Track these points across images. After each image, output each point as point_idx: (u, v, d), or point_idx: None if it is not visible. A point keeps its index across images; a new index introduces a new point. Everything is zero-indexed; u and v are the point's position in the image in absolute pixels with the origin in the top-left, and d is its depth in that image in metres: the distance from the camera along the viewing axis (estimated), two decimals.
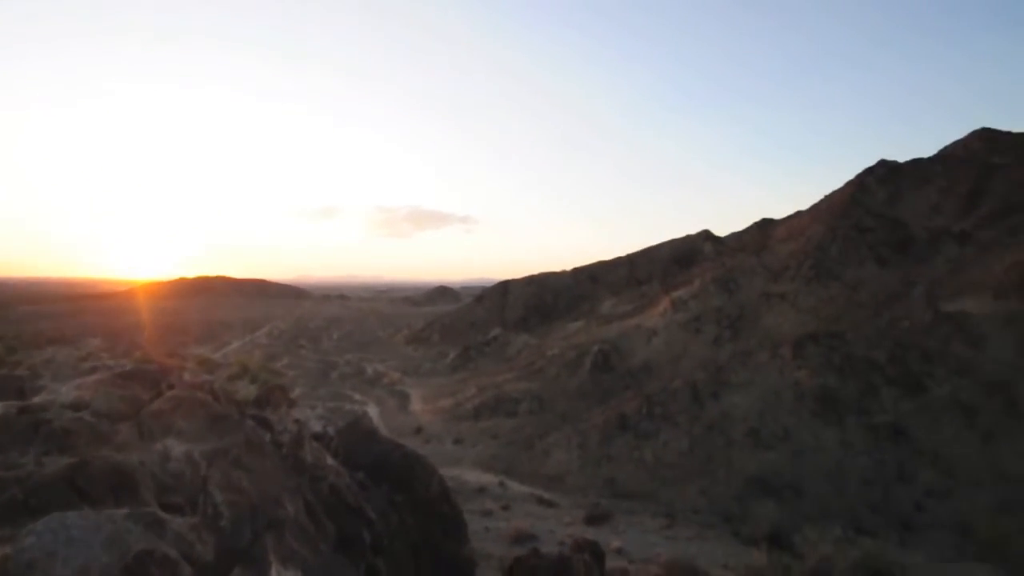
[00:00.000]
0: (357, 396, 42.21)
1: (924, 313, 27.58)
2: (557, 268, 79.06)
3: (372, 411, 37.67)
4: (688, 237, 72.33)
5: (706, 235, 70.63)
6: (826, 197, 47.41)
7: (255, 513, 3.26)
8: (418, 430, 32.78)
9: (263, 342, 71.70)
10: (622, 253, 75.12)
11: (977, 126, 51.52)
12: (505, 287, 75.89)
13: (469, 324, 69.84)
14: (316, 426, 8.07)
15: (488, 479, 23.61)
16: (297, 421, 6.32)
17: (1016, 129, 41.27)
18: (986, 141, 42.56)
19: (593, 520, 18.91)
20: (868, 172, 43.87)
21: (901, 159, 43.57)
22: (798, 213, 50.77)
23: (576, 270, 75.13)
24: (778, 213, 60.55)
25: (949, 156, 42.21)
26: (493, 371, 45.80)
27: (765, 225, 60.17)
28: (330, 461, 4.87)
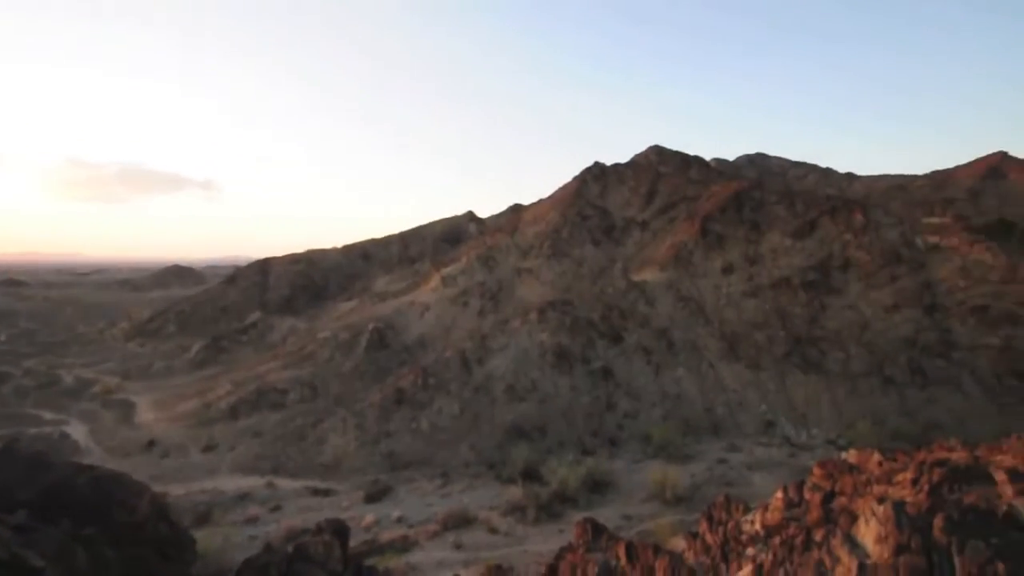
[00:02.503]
0: (47, 415, 31.93)
1: (621, 282, 35.55)
2: (324, 245, 73.52)
3: (77, 431, 29.19)
4: (455, 217, 76.16)
5: (471, 216, 75.55)
6: (560, 188, 56.02)
7: None
8: (150, 444, 26.86)
9: None
10: (393, 231, 74.58)
11: (653, 142, 67.78)
12: (265, 266, 67.08)
13: (220, 310, 59.69)
14: None
15: (252, 483, 21.19)
16: None
17: (677, 147, 55.96)
18: (658, 154, 56.61)
19: (373, 497, 18.98)
20: (588, 171, 53.51)
21: (608, 162, 54.54)
22: (541, 200, 58.67)
23: (347, 247, 71.42)
24: (527, 199, 68.84)
25: (636, 163, 54.73)
26: (253, 362, 40.53)
27: (517, 210, 67.69)
28: None
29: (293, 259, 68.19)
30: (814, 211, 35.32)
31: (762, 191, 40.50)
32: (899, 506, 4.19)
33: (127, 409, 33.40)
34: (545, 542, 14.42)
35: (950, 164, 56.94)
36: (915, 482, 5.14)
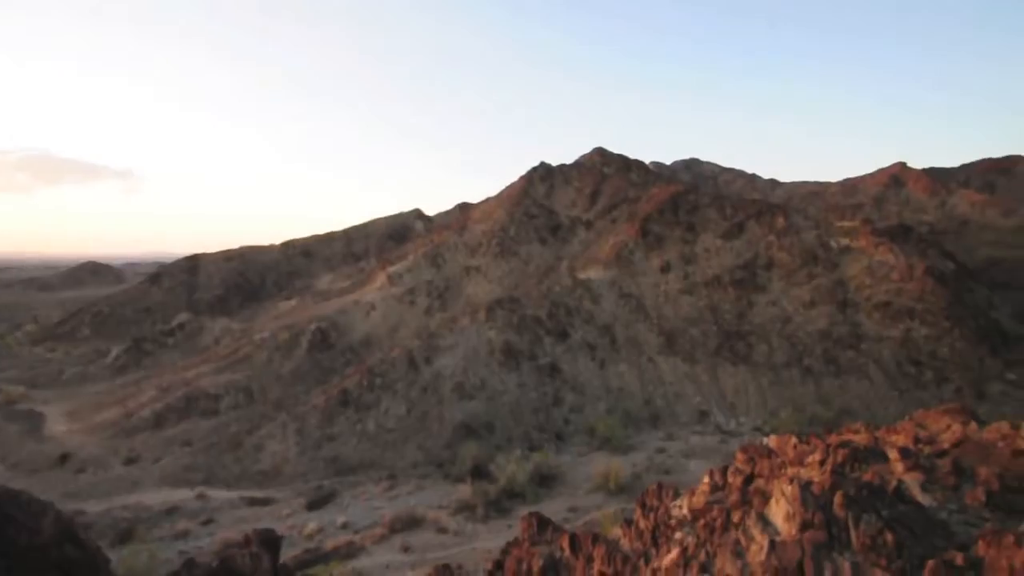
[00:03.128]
0: None
1: (567, 280, 36.24)
2: (261, 243, 69.50)
3: None
4: (402, 215, 74.50)
5: (417, 214, 74.21)
6: (507, 187, 56.23)
7: None
8: (63, 458, 24.36)
9: None
10: (337, 228, 71.86)
11: (597, 144, 69.56)
12: (194, 263, 62.55)
13: (142, 311, 55.06)
14: None
15: (181, 496, 19.74)
16: None
17: (619, 149, 57.69)
18: (601, 156, 58.15)
19: (316, 504, 18.24)
20: (534, 171, 54.09)
21: (554, 163, 55.39)
22: (488, 199, 58.62)
23: (287, 244, 68.00)
24: (474, 198, 68.50)
25: (581, 165, 55.98)
26: (181, 366, 37.72)
27: (465, 208, 67.27)
28: None
29: (226, 256, 64.07)
30: (742, 214, 37.60)
31: (696, 195, 42.61)
32: (805, 486, 4.45)
33: (34, 420, 30.06)
34: (494, 539, 14.43)
35: (859, 172, 62.69)
36: (822, 463, 5.50)
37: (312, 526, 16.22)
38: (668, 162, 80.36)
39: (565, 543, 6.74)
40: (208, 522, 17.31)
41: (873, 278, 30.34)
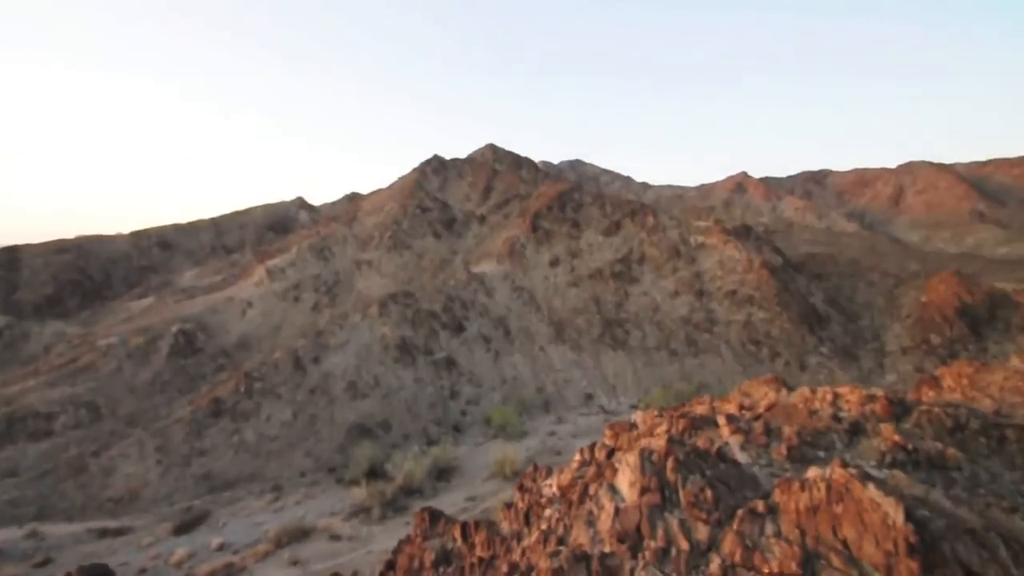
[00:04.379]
0: None
1: (462, 274, 36.20)
2: (103, 231, 58.68)
3: None
4: (282, 203, 68.02)
5: (300, 202, 68.34)
6: (399, 179, 54.28)
7: None
8: None
9: None
10: (203, 216, 63.33)
11: (488, 141, 70.21)
12: (12, 256, 50.85)
13: None
14: None
15: (6, 536, 16.14)
16: None
17: (508, 147, 58.83)
18: (493, 152, 58.83)
19: (184, 527, 16.11)
20: (427, 163, 52.92)
21: (448, 156, 54.72)
22: (380, 190, 56.06)
23: (139, 234, 58.30)
24: (365, 188, 64.93)
25: (474, 160, 56.08)
26: (0, 381, 30.60)
27: (354, 198, 63.59)
28: None
29: (58, 247, 53.10)
30: (619, 213, 40.71)
31: (581, 194, 45.13)
32: (644, 455, 4.75)
33: None
34: (391, 540, 13.96)
35: (712, 179, 71.66)
36: (667, 433, 5.92)
37: (181, 552, 14.25)
38: (555, 162, 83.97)
39: (457, 533, 6.74)
40: (45, 563, 14.35)
41: (723, 270, 34.88)
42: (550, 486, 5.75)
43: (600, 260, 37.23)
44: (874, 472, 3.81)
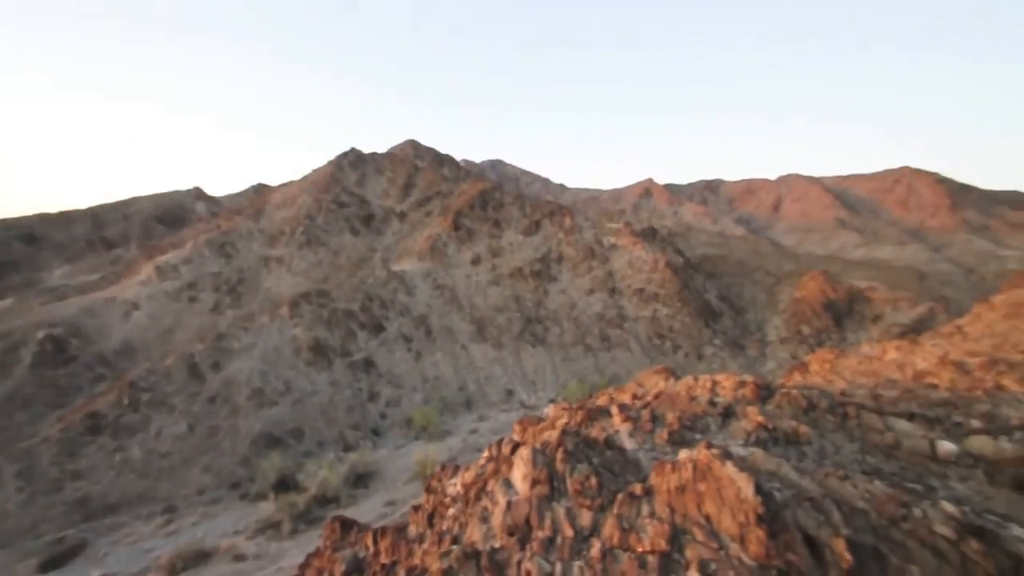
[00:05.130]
0: None
1: (381, 272, 35.11)
2: None
3: None
4: (176, 193, 61.17)
5: (198, 193, 61.95)
6: (313, 171, 51.21)
7: None
8: None
9: None
10: (77, 207, 55.16)
11: (408, 137, 68.56)
12: None
13: None
14: None
15: None
16: None
17: (429, 144, 57.95)
18: (414, 148, 57.50)
19: (54, 562, 14.16)
20: (344, 156, 50.46)
21: (366, 150, 52.58)
22: (290, 183, 52.50)
23: None
24: (273, 180, 60.44)
25: (394, 155, 54.45)
26: None
27: (261, 190, 58.93)
28: None
29: None
30: (538, 213, 41.81)
31: (501, 193, 45.67)
32: (536, 448, 4.78)
33: None
34: (303, 554, 13.30)
35: (624, 183, 76.19)
36: (566, 425, 5.99)
37: None
38: (477, 160, 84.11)
39: (369, 541, 6.55)
40: None
41: (632, 270, 37.19)
42: (455, 485, 5.65)
43: (520, 259, 37.98)
44: (740, 451, 4.34)
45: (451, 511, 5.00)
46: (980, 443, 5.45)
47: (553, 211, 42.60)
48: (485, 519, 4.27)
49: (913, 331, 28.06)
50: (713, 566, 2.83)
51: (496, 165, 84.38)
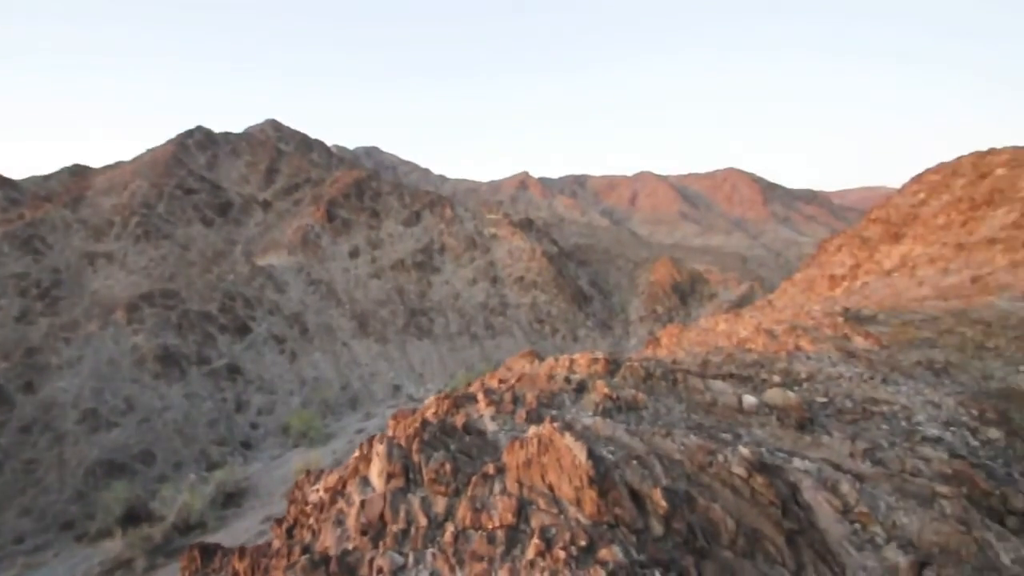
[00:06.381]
0: None
1: (244, 267, 31.68)
2: None
3: None
4: None
5: None
6: (148, 152, 43.77)
7: None
8: None
9: None
10: None
11: (269, 116, 61.93)
12: None
13: None
14: None
15: None
16: None
17: (293, 124, 52.99)
18: (276, 130, 52.25)
19: None
20: (188, 135, 43.91)
21: (216, 129, 46.35)
22: (119, 164, 44.23)
23: None
24: (92, 161, 50.25)
25: (252, 136, 48.85)
26: None
27: (80, 173, 48.66)
28: None
29: None
30: (419, 204, 41.12)
31: (379, 182, 43.89)
32: (390, 441, 4.62)
33: None
34: None
35: (502, 175, 78.14)
36: (434, 414, 5.88)
37: None
38: (350, 147, 79.30)
39: (236, 562, 6.06)
40: None
41: (512, 259, 38.64)
42: (317, 491, 5.28)
43: (402, 250, 37.09)
44: (587, 420, 4.95)
45: (311, 519, 4.71)
46: (774, 394, 6.85)
47: (434, 202, 42.19)
48: (340, 522, 4.11)
49: (738, 306, 33.65)
50: (553, 530, 3.26)
51: (372, 152, 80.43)
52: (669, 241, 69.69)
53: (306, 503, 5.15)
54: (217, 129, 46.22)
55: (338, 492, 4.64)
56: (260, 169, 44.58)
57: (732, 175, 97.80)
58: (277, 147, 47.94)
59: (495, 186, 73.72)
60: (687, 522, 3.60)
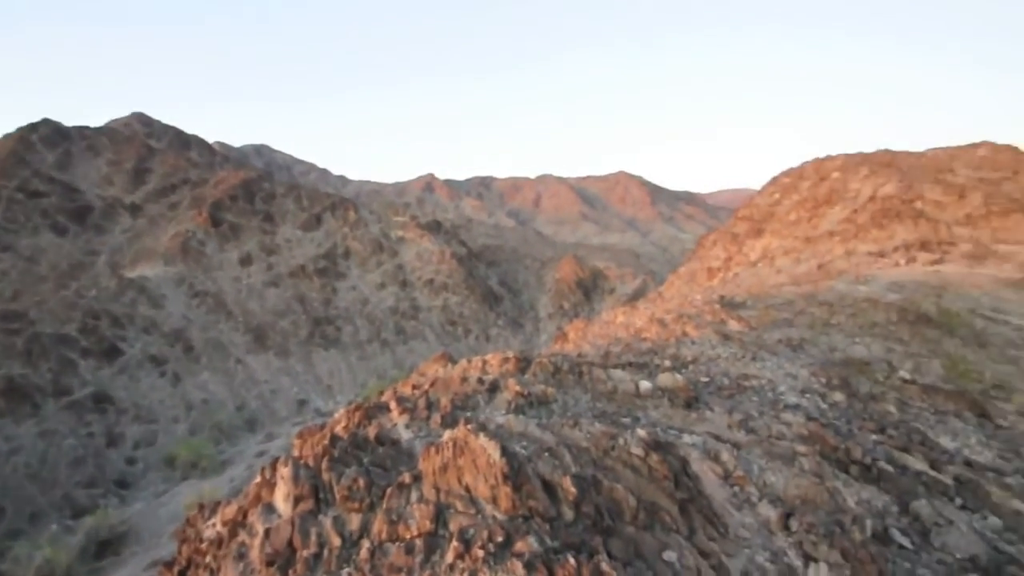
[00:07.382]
0: None
1: (110, 281, 27.45)
2: None
3: None
4: None
5: None
6: None
7: None
8: None
9: None
10: None
11: (134, 109, 53.96)
12: None
13: None
14: None
15: None
16: None
17: (168, 120, 46.80)
18: (143, 124, 45.84)
19: None
20: (32, 129, 36.89)
21: (68, 123, 39.43)
22: None
23: None
24: None
25: (114, 132, 42.33)
26: None
27: None
28: None
29: None
30: (318, 206, 38.72)
31: (272, 183, 40.56)
32: (296, 462, 4.24)
33: None
34: None
35: (407, 177, 76.38)
36: (345, 427, 5.47)
37: None
38: (236, 144, 72.20)
39: None
40: None
41: (422, 261, 37.95)
42: (213, 526, 4.71)
43: (302, 256, 34.64)
44: (500, 419, 5.06)
45: (207, 557, 4.21)
46: (665, 378, 7.51)
47: (335, 204, 39.97)
48: (242, 555, 3.71)
49: (634, 299, 36.34)
50: (471, 531, 3.31)
51: (262, 151, 73.81)
52: (572, 240, 73.18)
53: (200, 540, 4.62)
54: (69, 123, 39.43)
55: (238, 524, 4.19)
56: (126, 168, 38.86)
57: (624, 178, 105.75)
58: (146, 144, 42.13)
59: (400, 188, 71.87)
60: (594, 504, 3.85)
